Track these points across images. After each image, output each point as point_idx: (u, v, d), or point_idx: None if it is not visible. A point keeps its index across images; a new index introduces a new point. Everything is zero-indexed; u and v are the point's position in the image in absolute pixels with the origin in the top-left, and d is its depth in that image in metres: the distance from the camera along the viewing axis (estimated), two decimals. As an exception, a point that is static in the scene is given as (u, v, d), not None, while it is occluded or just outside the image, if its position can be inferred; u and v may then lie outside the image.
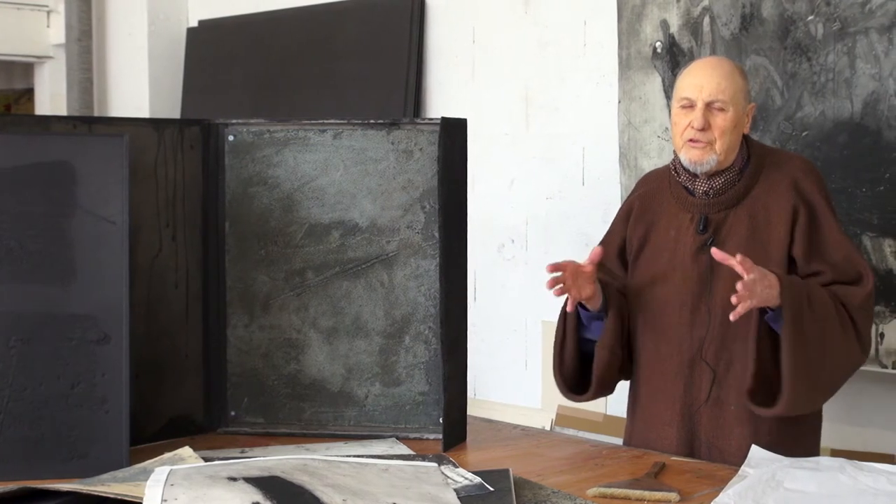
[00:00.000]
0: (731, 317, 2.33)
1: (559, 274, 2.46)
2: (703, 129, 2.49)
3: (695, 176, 2.57)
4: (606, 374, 2.64)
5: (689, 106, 2.52)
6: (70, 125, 2.48)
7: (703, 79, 2.52)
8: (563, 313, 2.64)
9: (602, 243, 2.75)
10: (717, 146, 2.50)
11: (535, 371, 4.17)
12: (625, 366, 2.69)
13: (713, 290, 2.51)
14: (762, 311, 2.43)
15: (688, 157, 2.54)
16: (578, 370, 2.67)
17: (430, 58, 4.54)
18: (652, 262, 2.64)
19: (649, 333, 2.63)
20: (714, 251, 2.39)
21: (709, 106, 2.50)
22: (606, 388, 2.70)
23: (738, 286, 2.31)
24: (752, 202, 2.54)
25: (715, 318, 2.50)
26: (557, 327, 2.68)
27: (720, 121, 2.50)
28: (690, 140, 2.52)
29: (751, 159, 2.58)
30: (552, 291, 2.47)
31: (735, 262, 2.33)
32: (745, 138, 2.60)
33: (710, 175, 2.55)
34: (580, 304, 2.58)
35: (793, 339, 2.38)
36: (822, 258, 2.50)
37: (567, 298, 2.54)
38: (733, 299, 2.32)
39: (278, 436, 2.60)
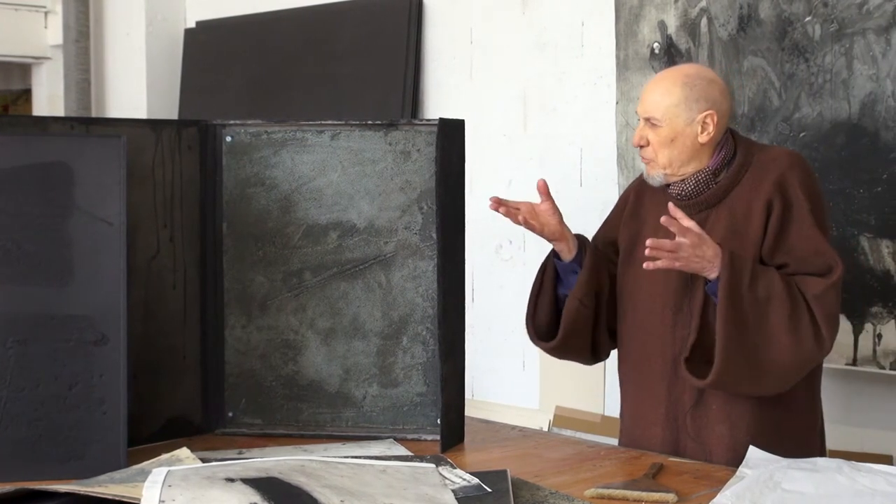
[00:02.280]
0: (644, 265, 2.39)
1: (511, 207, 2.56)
2: (641, 146, 2.58)
3: None
4: (574, 325, 2.65)
5: (640, 121, 2.60)
6: (67, 126, 2.48)
7: (644, 94, 2.60)
8: (543, 266, 2.70)
9: (597, 231, 2.82)
10: (659, 160, 2.57)
11: (533, 372, 4.17)
12: (600, 332, 2.70)
13: (695, 291, 2.52)
14: (704, 282, 2.48)
15: (644, 172, 2.65)
16: (552, 325, 2.70)
17: (428, 58, 4.54)
18: (639, 261, 2.65)
19: (635, 334, 2.65)
20: (670, 206, 2.42)
21: (647, 122, 2.57)
22: (577, 346, 2.71)
23: (666, 243, 2.38)
24: (732, 201, 2.56)
25: (697, 318, 2.51)
26: (535, 279, 2.72)
27: (654, 136, 2.56)
28: (641, 157, 2.62)
29: (735, 159, 2.58)
30: (492, 206, 2.54)
31: (673, 219, 2.38)
32: (734, 137, 2.61)
33: (681, 179, 2.58)
34: (556, 255, 2.65)
35: (725, 312, 2.40)
36: (787, 251, 2.49)
37: (550, 255, 2.66)
38: (648, 244, 2.37)
39: (276, 437, 2.60)
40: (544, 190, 2.60)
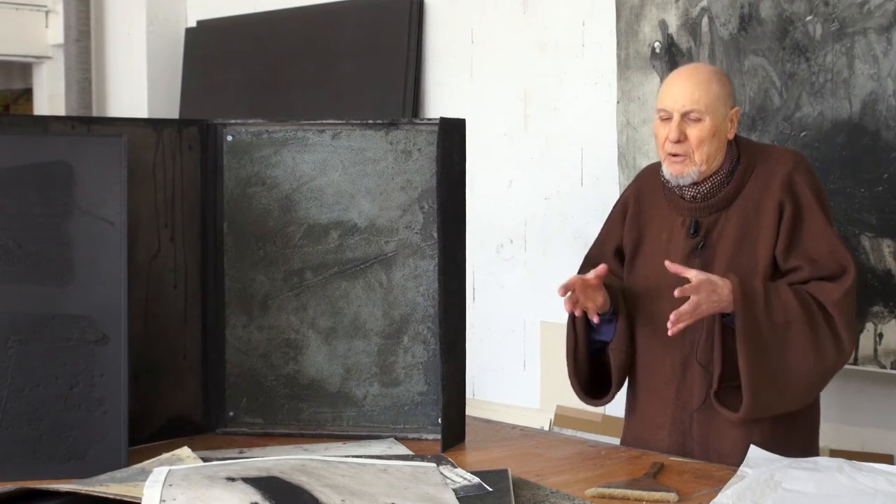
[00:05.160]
0: (669, 333, 2.39)
1: (570, 293, 2.50)
2: (679, 142, 2.51)
3: None
4: (622, 374, 2.68)
5: (668, 118, 2.54)
6: (68, 125, 2.48)
7: (678, 89, 2.53)
8: (572, 319, 2.65)
9: (598, 241, 2.80)
10: (696, 157, 2.52)
11: (534, 371, 4.17)
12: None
13: None
14: (722, 314, 2.48)
15: (669, 170, 2.57)
16: (592, 374, 2.70)
17: (429, 58, 4.54)
18: (646, 264, 2.65)
19: (644, 336, 2.65)
20: (667, 264, 2.43)
21: (685, 117, 2.51)
22: (620, 388, 2.73)
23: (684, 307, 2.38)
24: (742, 203, 2.55)
25: (708, 320, 2.51)
26: (568, 334, 2.69)
27: (696, 131, 2.50)
28: (670, 154, 2.54)
29: (741, 160, 2.58)
30: (567, 308, 2.51)
31: (687, 275, 2.39)
32: (736, 138, 2.60)
33: (696, 181, 2.56)
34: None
35: (746, 347, 2.42)
36: (802, 253, 2.50)
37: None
38: (671, 318, 2.37)
39: (277, 436, 2.60)
40: (604, 272, 2.51)
